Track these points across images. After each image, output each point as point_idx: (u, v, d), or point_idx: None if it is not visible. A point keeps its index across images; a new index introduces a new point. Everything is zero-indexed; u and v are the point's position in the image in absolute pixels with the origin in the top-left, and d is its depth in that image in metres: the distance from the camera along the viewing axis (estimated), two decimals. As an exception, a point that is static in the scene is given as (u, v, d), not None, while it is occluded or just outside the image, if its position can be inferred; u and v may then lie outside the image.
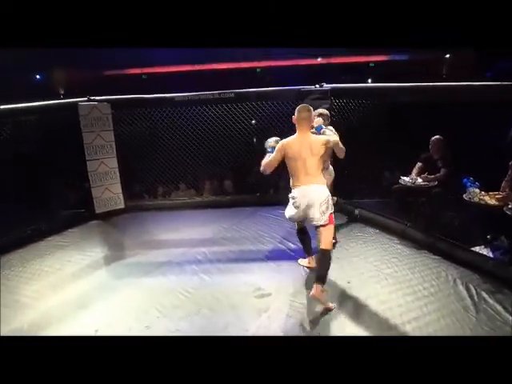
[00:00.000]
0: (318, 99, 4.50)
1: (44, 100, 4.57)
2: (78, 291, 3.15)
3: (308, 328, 2.54)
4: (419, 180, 3.90)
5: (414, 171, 4.08)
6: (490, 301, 2.68)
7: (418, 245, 3.58)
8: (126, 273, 3.43)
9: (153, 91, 5.05)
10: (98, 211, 4.80)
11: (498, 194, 3.29)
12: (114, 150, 4.86)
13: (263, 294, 2.97)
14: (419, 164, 4.13)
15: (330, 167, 3.61)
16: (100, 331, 2.58)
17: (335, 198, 3.36)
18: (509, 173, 3.39)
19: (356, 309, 2.71)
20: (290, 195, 2.98)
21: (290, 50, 10.51)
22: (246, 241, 4.00)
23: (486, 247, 3.28)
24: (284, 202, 4.87)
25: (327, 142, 2.87)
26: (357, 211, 4.36)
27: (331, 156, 3.39)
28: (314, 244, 3.20)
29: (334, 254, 3.53)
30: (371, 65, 11.97)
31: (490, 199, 3.26)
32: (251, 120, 5.12)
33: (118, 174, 4.91)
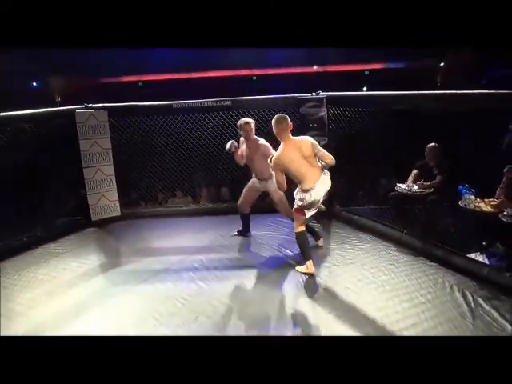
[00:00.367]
0: (314, 107, 4.54)
1: (41, 107, 4.58)
2: (74, 299, 3.13)
3: (304, 334, 2.54)
4: (415, 187, 3.93)
5: (410, 178, 4.10)
6: (487, 307, 2.69)
7: (415, 252, 3.59)
8: (122, 280, 3.41)
9: (149, 99, 5.07)
10: (94, 218, 4.78)
11: (494, 201, 3.32)
12: (111, 158, 4.86)
13: (261, 301, 2.96)
14: (415, 171, 4.16)
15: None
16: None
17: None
18: (503, 180, 3.42)
19: (353, 316, 2.71)
20: (303, 197, 3.20)
21: (286, 58, 10.59)
22: (244, 248, 4.00)
23: (481, 254, 3.29)
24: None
25: (314, 145, 3.18)
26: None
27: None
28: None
29: (331, 261, 3.58)
30: (366, 73, 12.09)
31: (485, 206, 3.29)
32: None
33: (114, 181, 4.90)
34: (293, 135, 3.27)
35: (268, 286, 3.17)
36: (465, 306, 2.73)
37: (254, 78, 12.53)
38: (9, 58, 7.92)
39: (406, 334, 2.47)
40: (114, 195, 4.88)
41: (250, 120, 3.87)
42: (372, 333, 2.50)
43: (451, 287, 2.98)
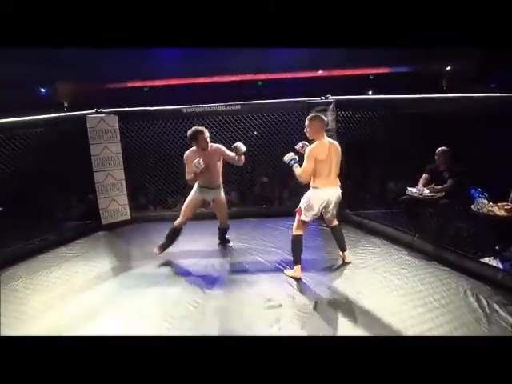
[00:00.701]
0: (323, 111, 4.55)
1: (48, 113, 4.62)
2: (87, 302, 3.13)
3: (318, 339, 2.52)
4: (426, 191, 3.91)
5: (421, 182, 4.09)
6: (502, 313, 2.66)
7: (427, 256, 3.57)
8: (134, 284, 3.42)
9: (155, 103, 5.11)
10: (104, 222, 4.81)
11: (507, 205, 3.30)
12: (121, 162, 4.89)
13: (273, 305, 2.95)
14: (425, 175, 4.14)
15: None
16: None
17: None
18: (517, 184, 3.40)
19: (367, 320, 2.69)
20: (310, 195, 3.22)
21: (291, 63, 10.63)
22: (254, 252, 3.99)
23: (495, 258, 3.27)
24: (289, 214, 4.93)
25: (340, 153, 3.29)
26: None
27: None
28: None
29: (342, 265, 3.57)
30: (371, 77, 12.12)
31: (498, 210, 3.27)
32: (253, 131, 5.17)
33: (124, 185, 4.93)
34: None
35: (280, 291, 3.16)
36: (480, 311, 2.71)
37: (260, 82, 12.60)
38: (18, 64, 8.04)
39: (421, 338, 2.45)
40: (123, 199, 4.91)
41: (204, 128, 3.63)
42: (387, 337, 2.48)
43: (465, 292, 2.96)
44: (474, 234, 3.49)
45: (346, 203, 4.60)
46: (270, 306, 2.94)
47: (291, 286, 3.24)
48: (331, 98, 4.62)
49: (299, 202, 3.36)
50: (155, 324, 2.77)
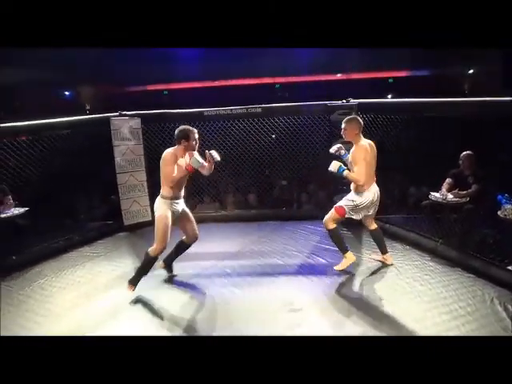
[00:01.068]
0: (344, 114, 4.51)
1: (71, 115, 4.73)
2: (110, 302, 3.19)
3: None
4: (450, 196, 3.85)
5: (445, 187, 4.02)
6: (531, 322, 2.60)
7: (451, 262, 3.51)
8: (156, 284, 3.46)
9: (173, 107, 5.16)
10: (126, 223, 4.88)
11: (535, 212, 3.21)
12: (143, 164, 4.97)
13: (295, 308, 2.95)
14: (449, 180, 4.07)
15: None
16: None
17: None
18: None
19: (390, 327, 2.66)
20: (357, 198, 3.27)
21: (310, 66, 10.60)
22: (274, 255, 4.00)
23: (522, 266, 3.19)
24: (308, 217, 4.92)
25: None
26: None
27: None
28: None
29: (364, 270, 3.53)
30: (390, 80, 11.98)
31: (526, 216, 3.19)
32: (272, 135, 5.18)
33: (146, 186, 5.00)
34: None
35: (301, 294, 3.16)
36: (507, 320, 2.64)
37: (278, 85, 12.61)
38: (44, 68, 8.29)
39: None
40: (145, 200, 4.97)
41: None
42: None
43: (492, 300, 2.89)
44: (500, 240, 3.41)
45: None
46: (291, 310, 2.94)
47: (312, 289, 3.23)
48: (353, 101, 4.59)
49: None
50: (175, 325, 2.81)
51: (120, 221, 4.87)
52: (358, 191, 3.28)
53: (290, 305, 3.00)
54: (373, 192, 3.30)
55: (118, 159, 4.77)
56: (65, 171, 5.06)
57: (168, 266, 3.60)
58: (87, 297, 3.29)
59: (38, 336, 2.42)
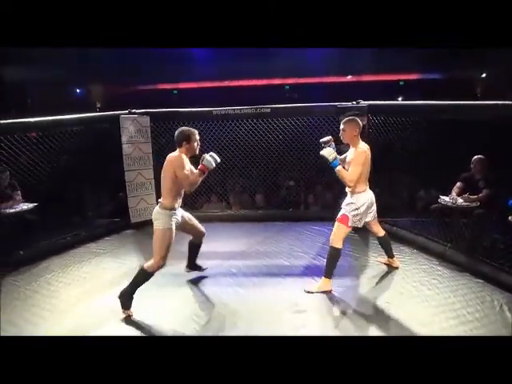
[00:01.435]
0: (354, 116, 4.48)
1: (82, 113, 4.77)
2: (116, 299, 3.18)
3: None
4: (460, 200, 3.79)
5: (455, 191, 3.96)
6: (542, 330, 2.55)
7: (460, 267, 3.46)
8: (161, 282, 3.43)
9: (183, 106, 5.18)
10: (133, 221, 4.90)
11: (548, 218, 3.15)
12: (151, 162, 4.98)
13: (299, 309, 2.93)
14: (459, 184, 4.01)
15: None
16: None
17: None
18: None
19: (396, 330, 2.63)
20: (355, 201, 3.15)
21: (320, 68, 10.57)
22: (280, 255, 3.98)
23: (533, 272, 3.13)
24: (315, 219, 4.89)
25: None
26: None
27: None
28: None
29: (371, 273, 3.50)
30: (401, 83, 11.91)
31: (538, 222, 3.13)
32: (279, 136, 5.17)
33: (153, 185, 5.01)
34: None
35: (307, 295, 3.13)
36: (517, 326, 2.60)
37: (287, 87, 12.60)
38: (57, 66, 8.39)
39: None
40: (152, 198, 4.99)
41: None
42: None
43: (501, 306, 2.84)
44: (510, 246, 3.35)
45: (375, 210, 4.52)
46: (296, 311, 2.92)
47: (304, 289, 3.21)
48: (363, 102, 4.56)
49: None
50: (179, 323, 2.81)
51: (127, 218, 4.89)
52: (354, 193, 3.17)
53: (295, 306, 2.98)
54: (369, 196, 3.21)
55: (126, 157, 4.79)
56: (74, 168, 5.11)
57: (194, 267, 3.51)
58: (93, 293, 3.29)
59: (38, 336, 2.41)
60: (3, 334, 2.61)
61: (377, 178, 4.46)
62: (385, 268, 3.57)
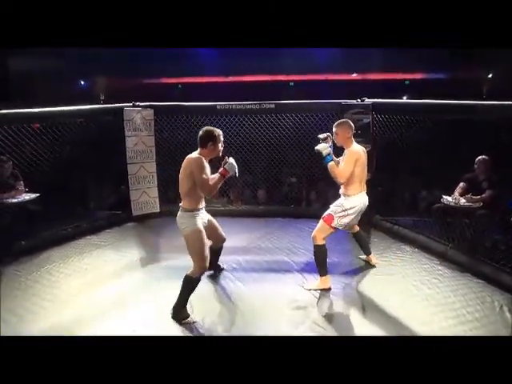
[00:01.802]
0: (358, 113, 4.48)
1: (86, 104, 4.77)
2: (116, 290, 3.21)
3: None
4: (463, 200, 3.78)
5: (458, 191, 3.95)
6: (541, 331, 2.54)
7: (461, 267, 3.45)
8: (162, 275, 3.47)
9: (187, 101, 5.16)
10: (134, 214, 4.90)
11: (550, 219, 3.14)
12: (154, 155, 4.98)
13: (299, 306, 2.93)
14: (462, 184, 4.00)
15: None
16: (138, 331, 2.62)
17: None
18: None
19: (396, 329, 2.63)
20: (346, 203, 3.13)
21: (325, 65, 10.52)
22: (280, 251, 3.98)
23: (534, 274, 3.12)
24: (317, 216, 4.88)
25: None
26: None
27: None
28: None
29: (371, 271, 3.50)
30: (406, 82, 11.84)
31: (540, 224, 3.12)
32: (283, 132, 5.16)
33: (155, 178, 5.02)
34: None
35: (306, 292, 3.14)
36: (517, 327, 2.60)
37: (292, 83, 12.55)
38: (60, 57, 8.38)
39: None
40: (154, 192, 5.00)
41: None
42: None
43: (501, 307, 2.84)
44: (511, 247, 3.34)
45: (377, 209, 4.52)
46: (295, 307, 2.92)
47: (303, 286, 3.23)
48: (367, 100, 4.54)
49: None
50: (181, 316, 2.80)
51: (129, 211, 4.89)
52: (347, 195, 3.15)
53: (295, 302, 2.98)
54: (361, 200, 3.17)
55: (129, 149, 4.79)
56: (76, 159, 5.11)
57: (215, 269, 3.43)
58: (94, 284, 3.30)
59: (38, 336, 2.41)
60: (3, 323, 2.63)
61: (379, 177, 4.48)
62: (384, 266, 3.56)
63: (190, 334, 2.61)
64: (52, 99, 5.11)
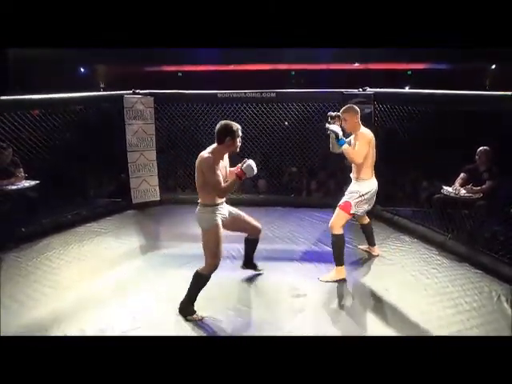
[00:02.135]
0: (360, 103, 4.43)
1: (85, 91, 4.73)
2: (117, 277, 3.23)
3: (343, 333, 2.50)
4: (463, 191, 3.78)
5: (458, 182, 3.95)
6: (538, 321, 2.56)
7: (459, 257, 3.46)
8: (161, 263, 3.49)
9: (187, 89, 5.13)
10: (134, 202, 4.90)
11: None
12: (154, 143, 4.97)
13: (299, 294, 2.96)
14: (463, 175, 3.99)
15: None
16: (137, 318, 2.64)
17: None
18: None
19: (394, 318, 2.65)
20: (361, 188, 3.12)
21: (326, 55, 10.42)
22: (280, 240, 3.99)
23: (532, 265, 3.13)
24: (317, 205, 4.89)
25: None
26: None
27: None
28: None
29: (370, 261, 3.52)
30: (408, 72, 11.75)
31: (540, 215, 3.12)
32: (284, 122, 5.13)
33: (155, 166, 5.01)
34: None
35: (306, 280, 3.16)
36: (514, 317, 2.61)
37: (293, 72, 12.44)
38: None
39: (449, 340, 2.39)
40: (154, 180, 4.99)
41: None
42: (414, 336, 2.44)
43: (499, 297, 2.85)
44: (510, 237, 3.34)
45: (377, 199, 4.50)
46: (295, 295, 2.94)
47: (317, 276, 3.22)
48: (369, 90, 4.50)
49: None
50: (178, 304, 2.82)
51: (128, 199, 4.89)
52: (362, 179, 3.15)
53: (295, 290, 3.00)
54: (374, 185, 3.19)
55: (129, 137, 4.77)
56: (76, 147, 5.09)
57: (249, 265, 3.29)
58: (93, 271, 3.32)
59: (38, 336, 2.41)
60: (4, 309, 2.66)
61: (380, 167, 4.46)
62: (384, 256, 3.58)
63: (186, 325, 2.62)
64: (52, 87, 5.07)
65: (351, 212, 3.14)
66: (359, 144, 3.10)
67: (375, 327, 2.55)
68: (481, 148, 3.90)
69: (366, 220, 3.50)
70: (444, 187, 3.91)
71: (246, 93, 4.83)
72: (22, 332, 2.47)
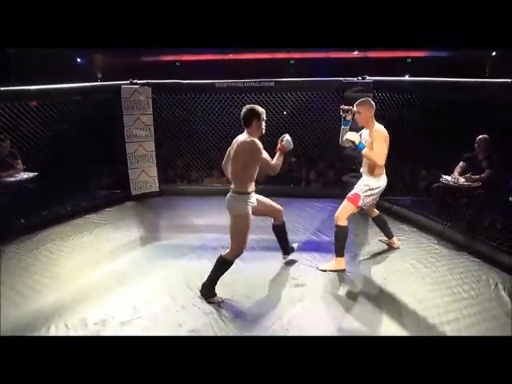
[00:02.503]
0: (360, 92, 4.41)
1: (82, 82, 4.69)
2: (117, 268, 3.25)
3: (342, 322, 2.53)
4: (462, 180, 3.78)
5: (457, 170, 3.94)
6: (535, 309, 2.58)
7: (458, 246, 3.48)
8: (161, 253, 3.50)
9: (185, 78, 5.09)
10: (133, 193, 4.90)
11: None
12: (153, 134, 4.94)
13: (298, 283, 2.98)
14: (462, 163, 3.99)
15: None
16: (137, 308, 2.66)
17: None
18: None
19: (392, 306, 2.67)
20: (372, 183, 3.10)
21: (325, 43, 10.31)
22: (279, 231, 3.99)
23: (530, 253, 3.15)
24: (316, 195, 4.89)
25: None
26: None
27: None
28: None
29: (369, 250, 3.53)
30: (408, 60, 11.65)
31: (539, 203, 3.13)
32: (283, 111, 5.10)
33: (154, 157, 5.00)
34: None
35: (305, 270, 3.18)
36: (510, 305, 2.63)
37: (292, 61, 12.34)
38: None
39: (446, 328, 2.42)
40: (153, 171, 4.98)
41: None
42: (412, 325, 2.46)
43: (496, 285, 2.88)
44: (508, 226, 3.35)
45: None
46: (294, 285, 2.96)
47: (316, 266, 3.24)
48: (368, 78, 4.47)
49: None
50: (181, 293, 2.86)
51: (128, 190, 4.89)
52: (375, 174, 3.08)
53: (294, 280, 3.03)
54: (384, 180, 3.15)
55: (127, 128, 4.75)
56: (75, 138, 5.06)
57: (289, 250, 3.36)
58: (93, 262, 3.33)
59: (38, 336, 2.42)
60: (5, 300, 2.67)
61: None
62: (383, 246, 3.59)
63: (187, 316, 2.64)
64: (49, 77, 5.02)
65: (359, 204, 3.10)
66: (377, 144, 2.98)
67: (374, 316, 2.57)
68: (480, 136, 3.90)
69: (376, 212, 3.48)
70: (443, 176, 3.91)
71: (244, 82, 4.78)
72: (23, 323, 2.49)
